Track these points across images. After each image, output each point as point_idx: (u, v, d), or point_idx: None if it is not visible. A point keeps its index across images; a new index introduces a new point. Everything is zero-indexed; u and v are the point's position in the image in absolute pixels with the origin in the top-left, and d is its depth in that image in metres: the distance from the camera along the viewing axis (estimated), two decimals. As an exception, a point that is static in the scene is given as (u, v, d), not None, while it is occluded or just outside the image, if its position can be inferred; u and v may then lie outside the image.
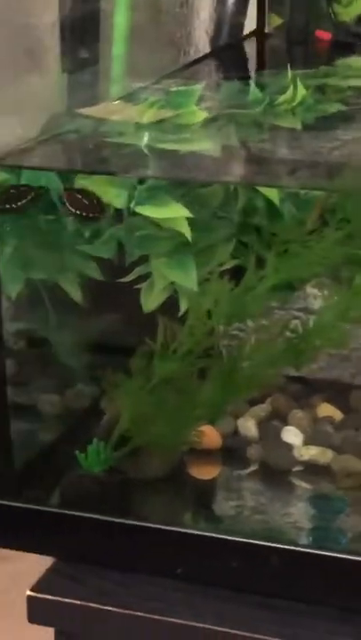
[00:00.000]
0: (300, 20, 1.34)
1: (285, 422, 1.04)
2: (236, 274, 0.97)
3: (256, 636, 0.87)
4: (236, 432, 1.04)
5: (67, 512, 0.93)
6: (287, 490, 0.99)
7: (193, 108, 1.03)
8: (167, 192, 1.00)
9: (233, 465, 1.02)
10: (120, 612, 0.90)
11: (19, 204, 0.98)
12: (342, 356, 1.18)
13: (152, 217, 0.99)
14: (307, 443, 1.02)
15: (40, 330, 1.11)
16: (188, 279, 1.01)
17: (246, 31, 1.37)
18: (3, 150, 0.95)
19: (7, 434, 0.94)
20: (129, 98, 1.09)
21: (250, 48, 1.36)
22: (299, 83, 1.07)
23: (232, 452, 1.02)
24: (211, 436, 1.01)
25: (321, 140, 1.01)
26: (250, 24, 1.37)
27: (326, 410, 1.07)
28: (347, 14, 1.31)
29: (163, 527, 0.91)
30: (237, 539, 0.89)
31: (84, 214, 0.98)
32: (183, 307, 1.03)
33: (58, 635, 0.94)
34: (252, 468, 1.01)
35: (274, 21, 1.37)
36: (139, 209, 1.00)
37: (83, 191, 0.99)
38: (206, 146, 1.04)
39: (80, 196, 0.98)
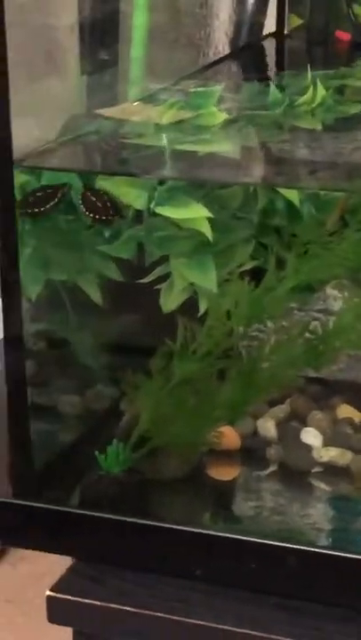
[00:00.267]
0: (320, 20, 1.34)
1: (305, 423, 1.04)
2: (256, 275, 0.97)
3: (276, 637, 0.86)
4: (255, 433, 1.04)
5: (86, 513, 0.93)
6: (306, 491, 0.98)
7: (213, 109, 1.03)
8: (187, 193, 1.01)
9: (252, 466, 1.02)
10: (139, 613, 0.90)
11: (47, 206, 0.98)
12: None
13: (172, 217, 1.00)
14: (326, 444, 1.01)
15: (60, 331, 1.11)
16: (207, 280, 1.02)
17: (266, 32, 1.37)
18: (23, 152, 0.95)
19: (28, 434, 0.94)
20: (148, 99, 1.09)
21: (269, 49, 1.36)
22: (319, 83, 1.07)
23: (251, 452, 1.02)
24: (230, 436, 1.01)
25: (341, 141, 1.01)
26: (269, 25, 1.37)
27: (346, 411, 1.06)
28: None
29: (181, 528, 0.91)
30: (257, 540, 0.89)
31: (96, 217, 0.98)
32: (203, 307, 1.03)
33: (76, 635, 0.94)
34: (272, 468, 1.01)
35: (294, 22, 1.37)
36: (159, 209, 1.00)
37: (97, 193, 0.99)
38: (226, 147, 1.04)
39: (94, 199, 0.98)
